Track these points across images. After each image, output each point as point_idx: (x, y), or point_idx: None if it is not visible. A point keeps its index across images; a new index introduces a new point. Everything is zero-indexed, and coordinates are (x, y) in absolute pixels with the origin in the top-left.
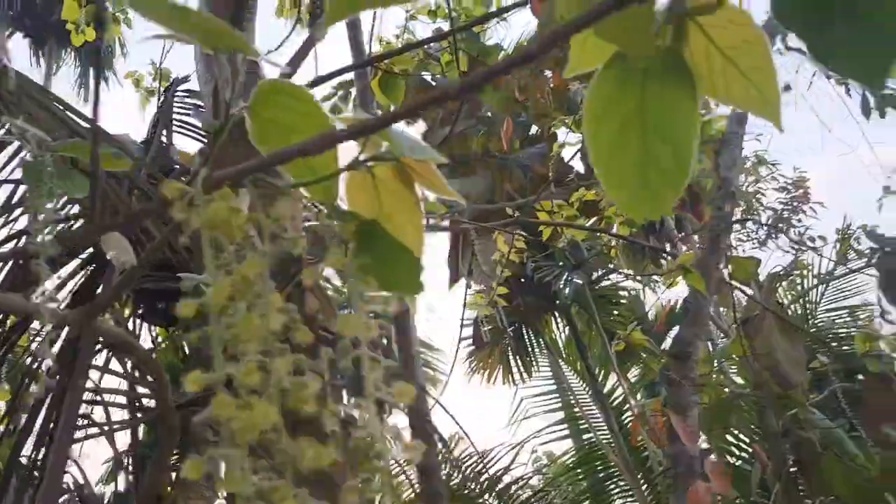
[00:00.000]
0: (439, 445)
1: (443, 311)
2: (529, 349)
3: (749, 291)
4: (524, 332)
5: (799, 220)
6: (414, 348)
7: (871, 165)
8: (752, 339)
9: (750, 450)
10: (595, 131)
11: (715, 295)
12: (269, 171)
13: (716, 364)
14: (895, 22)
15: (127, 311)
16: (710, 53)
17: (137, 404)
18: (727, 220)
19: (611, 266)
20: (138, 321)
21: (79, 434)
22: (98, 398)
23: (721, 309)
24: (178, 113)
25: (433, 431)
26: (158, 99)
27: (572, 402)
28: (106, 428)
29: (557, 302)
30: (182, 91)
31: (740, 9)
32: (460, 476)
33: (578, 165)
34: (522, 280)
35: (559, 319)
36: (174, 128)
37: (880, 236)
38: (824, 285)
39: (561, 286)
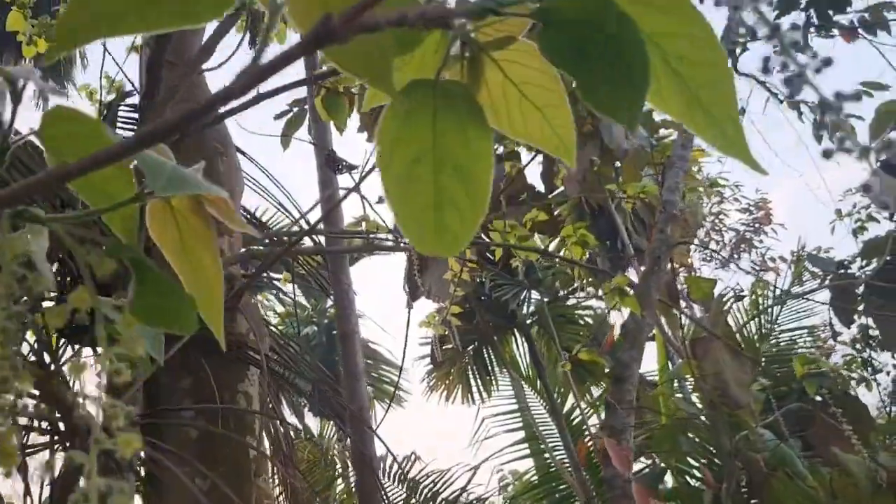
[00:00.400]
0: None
1: (402, 328)
2: (489, 368)
3: (694, 315)
4: (483, 350)
5: (760, 241)
6: (358, 368)
7: (818, 189)
8: (701, 360)
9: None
10: (386, 166)
11: (662, 316)
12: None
13: (676, 383)
14: (642, 64)
15: None
16: (506, 89)
17: (51, 427)
18: (668, 243)
19: (574, 285)
20: None
21: None
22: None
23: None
24: (122, 127)
25: (372, 455)
26: (103, 112)
27: (532, 421)
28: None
29: (517, 320)
30: (126, 106)
31: (532, 44)
32: (417, 496)
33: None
34: (482, 298)
35: (519, 338)
36: None
37: (824, 260)
38: (782, 305)
39: (518, 305)
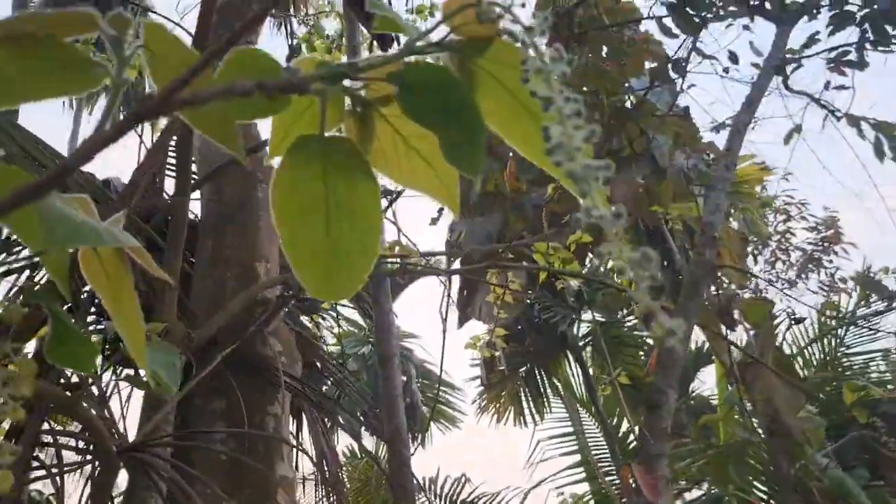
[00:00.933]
0: (433, 487)
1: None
2: (542, 390)
3: (748, 338)
4: (535, 372)
5: (830, 261)
6: (397, 391)
7: (874, 208)
8: (751, 385)
9: (765, 497)
10: (281, 213)
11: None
12: None
13: (736, 409)
14: (477, 123)
15: None
16: (395, 141)
17: (88, 446)
18: (708, 266)
19: (627, 307)
20: None
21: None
22: (49, 440)
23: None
24: (172, 154)
25: (411, 477)
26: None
27: (586, 445)
28: (55, 470)
29: (568, 342)
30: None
31: None
32: None
33: None
34: (533, 319)
35: (571, 360)
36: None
37: (879, 284)
38: (846, 328)
39: (567, 327)
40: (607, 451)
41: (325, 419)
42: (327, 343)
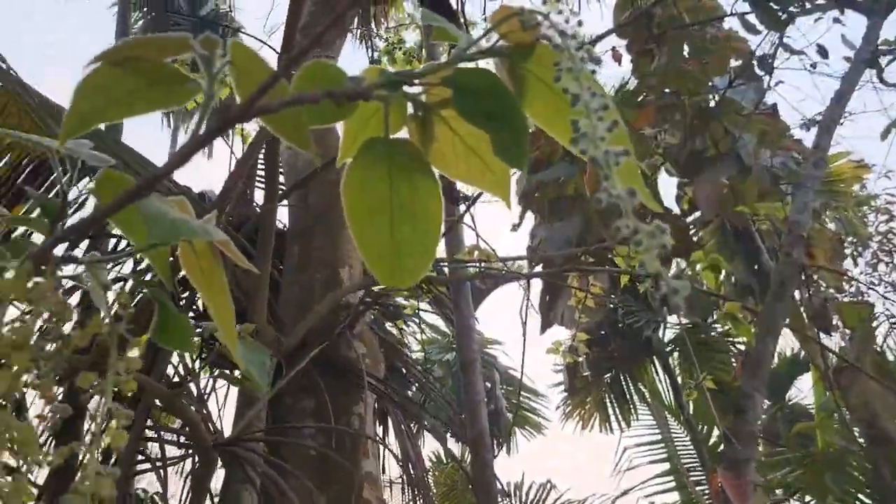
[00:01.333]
0: (518, 493)
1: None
2: (627, 396)
3: (839, 341)
4: (621, 378)
5: None
6: (479, 396)
7: None
8: (847, 390)
9: None
10: (352, 210)
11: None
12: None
13: (835, 416)
14: (522, 124)
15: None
16: (453, 141)
17: (187, 442)
18: (795, 266)
19: (715, 311)
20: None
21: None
22: (153, 435)
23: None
24: (261, 166)
25: (494, 480)
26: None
27: (674, 452)
28: (159, 463)
29: (654, 347)
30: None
31: None
32: None
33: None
34: (617, 324)
35: (658, 366)
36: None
37: None
38: None
39: (652, 332)
40: (697, 459)
41: (411, 423)
42: (412, 350)
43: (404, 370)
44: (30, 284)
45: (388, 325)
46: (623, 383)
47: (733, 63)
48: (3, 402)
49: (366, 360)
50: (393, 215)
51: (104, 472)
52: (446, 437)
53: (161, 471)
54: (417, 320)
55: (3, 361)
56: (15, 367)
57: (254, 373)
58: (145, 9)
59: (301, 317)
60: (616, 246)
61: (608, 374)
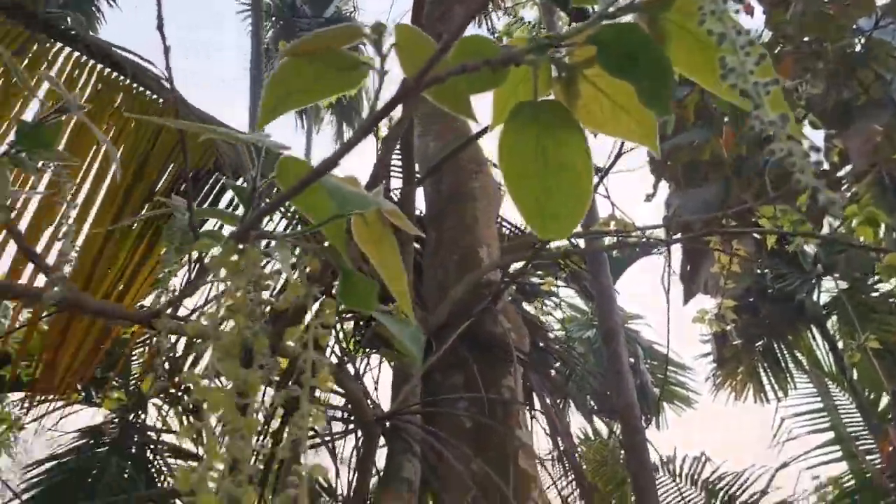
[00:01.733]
0: (672, 467)
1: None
2: (782, 364)
3: None
4: (774, 345)
5: None
6: (624, 366)
7: None
8: None
9: None
10: (506, 171)
11: None
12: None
13: None
14: (665, 69)
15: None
16: (598, 97)
17: (350, 417)
18: None
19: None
20: None
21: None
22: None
23: None
24: (397, 157)
25: (647, 452)
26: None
27: (839, 421)
28: (327, 438)
29: (808, 312)
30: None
31: None
32: (714, 499)
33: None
34: (766, 290)
35: (815, 331)
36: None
37: None
38: None
39: (806, 295)
40: (864, 426)
41: (557, 399)
42: (552, 329)
43: (545, 348)
44: (234, 259)
45: (526, 306)
46: (777, 350)
47: (880, 1)
48: (233, 355)
49: (511, 335)
50: (544, 171)
51: (316, 410)
52: (592, 414)
53: (330, 444)
54: (556, 298)
55: (224, 323)
56: (235, 328)
57: (409, 346)
58: (273, 18)
59: (442, 297)
60: (760, 207)
61: (760, 342)
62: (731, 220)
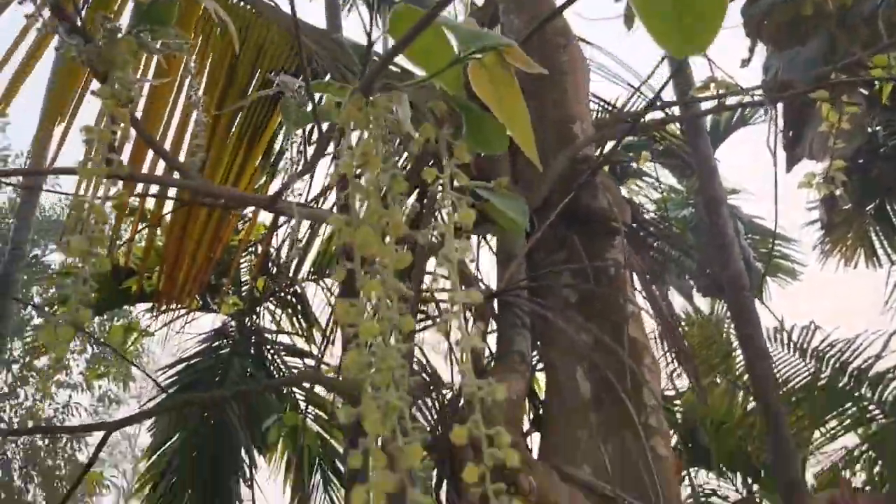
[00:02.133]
0: (780, 337)
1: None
2: (895, 225)
3: None
4: (887, 206)
5: None
6: (728, 237)
7: None
8: None
9: None
10: None
11: None
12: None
13: None
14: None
15: None
16: None
17: None
18: None
19: None
20: None
21: None
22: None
23: None
24: None
25: (758, 321)
26: None
27: None
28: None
29: None
30: None
31: None
32: (824, 366)
33: None
34: (879, 148)
35: None
36: None
37: None
38: None
39: None
40: None
41: (656, 277)
42: (647, 210)
43: (642, 227)
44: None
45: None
46: (890, 212)
47: None
48: (377, 191)
49: (613, 209)
50: None
51: (460, 245)
52: (692, 293)
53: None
54: (649, 177)
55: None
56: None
57: (516, 217)
58: None
59: (537, 174)
60: (872, 57)
61: (871, 205)
62: (839, 76)
